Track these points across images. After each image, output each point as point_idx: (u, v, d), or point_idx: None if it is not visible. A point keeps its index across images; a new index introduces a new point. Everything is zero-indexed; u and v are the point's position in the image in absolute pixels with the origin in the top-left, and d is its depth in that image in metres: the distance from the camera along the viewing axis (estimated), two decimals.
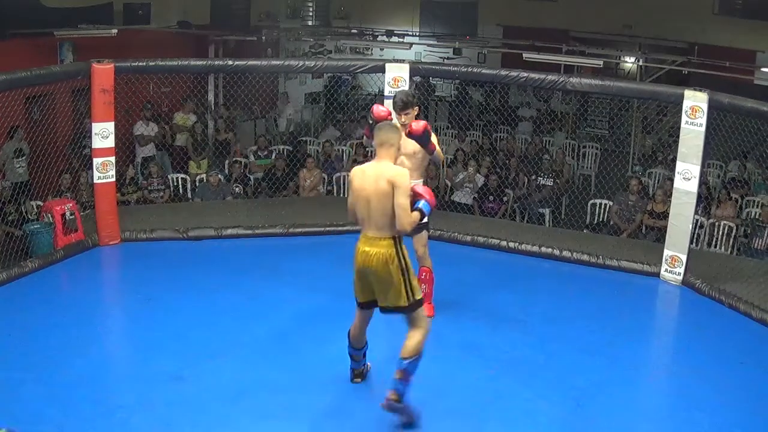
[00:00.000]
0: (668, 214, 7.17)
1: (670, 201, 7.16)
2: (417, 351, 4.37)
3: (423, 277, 5.70)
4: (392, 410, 4.35)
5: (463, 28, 16.32)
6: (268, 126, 13.77)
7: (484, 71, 8.43)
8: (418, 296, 4.43)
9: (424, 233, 5.69)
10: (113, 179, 7.34)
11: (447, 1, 17.07)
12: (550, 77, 7.45)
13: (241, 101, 12.80)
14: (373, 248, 4.35)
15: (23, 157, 8.99)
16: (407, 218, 4.33)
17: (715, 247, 8.64)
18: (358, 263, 4.43)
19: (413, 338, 4.39)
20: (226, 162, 10.68)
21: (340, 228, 7.74)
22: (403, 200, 4.31)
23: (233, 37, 13.89)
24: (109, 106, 7.09)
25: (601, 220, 9.30)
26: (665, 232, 7.14)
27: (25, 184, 8.33)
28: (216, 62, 7.83)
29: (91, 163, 7.24)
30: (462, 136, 12.48)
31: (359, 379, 4.89)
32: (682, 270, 6.89)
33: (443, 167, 10.08)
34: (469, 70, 8.43)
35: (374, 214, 4.35)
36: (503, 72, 7.82)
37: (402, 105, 5.55)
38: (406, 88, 7.64)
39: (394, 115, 5.54)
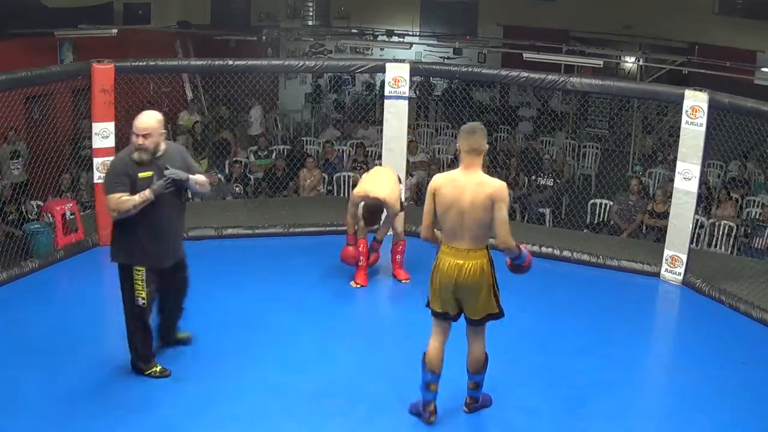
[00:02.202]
0: (668, 213, 7.17)
1: (670, 201, 7.16)
2: (486, 363, 4.43)
3: (400, 249, 6.72)
4: (475, 411, 4.60)
5: (463, 28, 16.33)
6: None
7: (484, 71, 8.43)
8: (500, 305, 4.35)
9: (403, 213, 6.62)
10: None
11: (447, 1, 17.07)
12: (551, 77, 7.45)
13: (241, 101, 12.79)
14: (468, 260, 4.17)
15: (19, 159, 8.99)
16: (508, 234, 4.15)
17: (716, 247, 8.63)
18: (449, 277, 4.21)
19: (481, 351, 4.39)
20: (227, 162, 10.68)
21: (340, 228, 7.73)
22: (505, 215, 4.12)
23: (233, 37, 13.89)
24: (109, 106, 7.10)
25: (601, 220, 9.30)
26: (665, 231, 7.14)
27: (23, 185, 8.33)
28: (216, 62, 7.80)
29: (89, 164, 7.24)
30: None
31: (434, 417, 4.45)
32: (682, 270, 6.89)
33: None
34: (470, 70, 8.44)
35: (469, 225, 4.13)
36: (503, 72, 7.82)
37: (370, 221, 6.39)
38: (406, 88, 7.66)
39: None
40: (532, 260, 4.40)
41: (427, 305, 4.43)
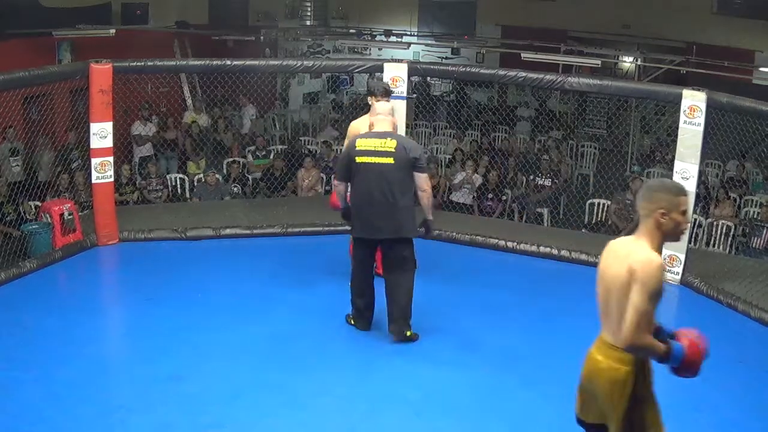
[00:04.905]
0: None
1: None
2: None
3: None
4: None
5: (461, 28, 16.35)
6: (266, 126, 13.76)
7: (482, 71, 8.43)
8: None
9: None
10: (111, 179, 7.33)
11: (445, 1, 17.08)
12: (549, 77, 7.45)
13: (240, 101, 12.79)
14: (607, 359, 3.14)
15: (18, 156, 8.98)
16: (633, 327, 3.01)
17: (714, 246, 8.65)
18: (583, 372, 3.30)
19: None
20: (225, 162, 10.68)
21: (338, 228, 7.73)
22: (638, 301, 3.00)
23: (231, 37, 13.89)
24: (107, 106, 7.09)
25: (599, 219, 9.31)
26: None
27: (21, 184, 8.32)
28: (215, 62, 7.78)
29: (85, 168, 7.24)
30: (460, 135, 12.50)
31: None
32: (680, 269, 6.90)
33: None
34: (468, 69, 8.44)
35: (612, 309, 3.17)
36: (502, 72, 7.83)
37: (384, 92, 6.28)
38: (404, 88, 7.67)
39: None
40: (702, 350, 3.39)
41: None
